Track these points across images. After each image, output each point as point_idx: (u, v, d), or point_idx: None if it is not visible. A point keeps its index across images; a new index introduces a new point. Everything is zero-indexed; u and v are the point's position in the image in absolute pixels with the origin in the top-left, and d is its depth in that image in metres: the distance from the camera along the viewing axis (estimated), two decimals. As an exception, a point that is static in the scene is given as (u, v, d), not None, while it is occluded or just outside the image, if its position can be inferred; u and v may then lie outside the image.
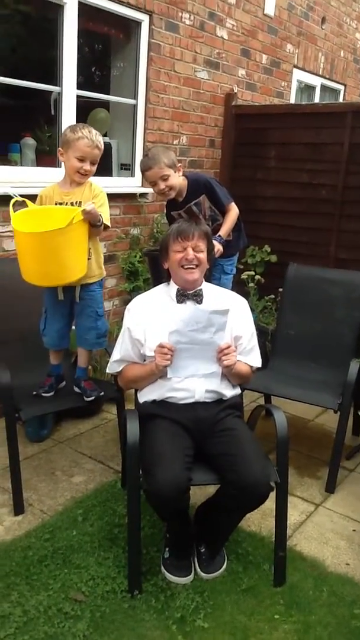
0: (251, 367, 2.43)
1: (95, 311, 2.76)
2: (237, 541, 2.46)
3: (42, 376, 2.86)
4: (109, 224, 2.65)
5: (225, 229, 3.26)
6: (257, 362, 2.44)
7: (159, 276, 3.01)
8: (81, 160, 2.56)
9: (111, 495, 2.74)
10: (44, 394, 2.77)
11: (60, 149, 2.61)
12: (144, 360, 2.34)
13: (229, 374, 2.31)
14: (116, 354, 2.40)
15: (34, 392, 2.76)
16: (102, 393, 2.83)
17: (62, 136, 2.60)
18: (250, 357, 2.42)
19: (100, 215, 2.54)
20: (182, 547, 2.29)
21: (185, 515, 2.27)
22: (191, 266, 2.29)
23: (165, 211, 3.53)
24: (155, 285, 3.19)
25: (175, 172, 3.13)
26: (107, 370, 2.51)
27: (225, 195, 3.29)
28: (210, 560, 2.30)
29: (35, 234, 2.42)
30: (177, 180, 3.16)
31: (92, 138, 2.54)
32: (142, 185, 4.33)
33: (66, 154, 2.58)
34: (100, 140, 2.59)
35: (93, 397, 2.79)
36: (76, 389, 2.85)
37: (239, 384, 2.44)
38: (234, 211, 3.31)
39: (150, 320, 2.32)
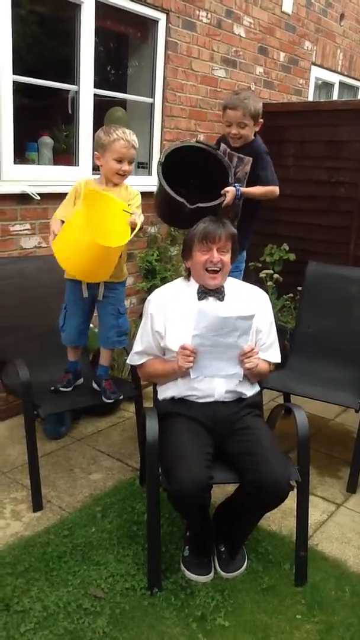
0: (270, 363, 2.42)
1: (117, 309, 2.76)
2: (257, 540, 2.43)
3: (61, 374, 2.86)
4: (140, 225, 2.60)
5: (251, 189, 3.04)
6: (276, 357, 2.43)
7: (170, 208, 2.72)
8: (119, 161, 2.56)
9: (130, 493, 2.73)
10: (62, 389, 2.77)
11: (96, 152, 2.61)
12: (164, 353, 2.33)
13: (250, 374, 2.29)
14: (137, 346, 2.40)
15: (52, 387, 2.76)
16: (122, 397, 2.82)
17: (97, 140, 2.60)
18: (269, 352, 2.41)
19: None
20: (202, 546, 2.27)
21: (206, 514, 2.25)
22: (215, 269, 2.27)
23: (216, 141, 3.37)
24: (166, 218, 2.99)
25: (254, 124, 3.03)
26: (128, 361, 2.50)
27: (272, 177, 3.12)
28: (231, 559, 2.27)
29: (100, 245, 2.38)
30: (251, 133, 3.05)
31: (127, 138, 2.55)
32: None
33: (103, 157, 2.58)
34: (134, 139, 2.60)
35: (112, 400, 2.78)
36: (95, 386, 2.85)
37: (258, 381, 2.42)
38: (271, 190, 3.10)
39: (171, 313, 2.31)
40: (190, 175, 2.77)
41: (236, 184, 2.92)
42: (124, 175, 2.61)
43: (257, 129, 3.08)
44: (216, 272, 2.28)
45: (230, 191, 2.76)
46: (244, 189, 3.00)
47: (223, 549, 2.28)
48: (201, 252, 2.28)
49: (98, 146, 2.59)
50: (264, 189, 3.08)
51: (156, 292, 2.44)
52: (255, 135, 3.12)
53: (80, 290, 2.70)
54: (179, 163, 2.68)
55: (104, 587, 2.14)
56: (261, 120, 3.06)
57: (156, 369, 2.36)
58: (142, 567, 2.23)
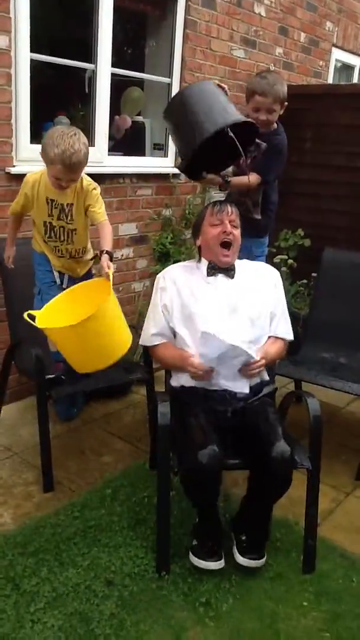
0: (284, 341, 2.46)
1: None
2: (265, 527, 2.44)
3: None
4: (105, 218, 2.55)
5: (234, 179, 2.88)
6: (289, 334, 2.48)
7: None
8: (57, 179, 2.39)
9: (140, 476, 2.74)
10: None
11: (40, 152, 2.39)
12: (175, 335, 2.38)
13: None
14: (152, 328, 2.41)
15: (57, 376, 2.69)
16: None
17: (43, 142, 2.37)
18: (281, 330, 2.45)
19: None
20: (211, 533, 2.24)
21: (216, 499, 2.23)
22: (228, 240, 2.29)
23: None
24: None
25: (280, 109, 2.95)
26: (141, 342, 2.49)
27: (267, 170, 2.96)
28: (250, 548, 2.23)
29: (65, 328, 2.26)
30: (276, 117, 2.96)
31: (67, 163, 2.31)
32: (175, 166, 4.28)
33: (46, 165, 2.39)
34: (80, 158, 2.34)
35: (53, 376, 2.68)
36: None
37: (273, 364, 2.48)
38: (251, 182, 2.87)
39: (180, 289, 2.36)
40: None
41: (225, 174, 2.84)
42: (65, 187, 2.44)
43: (281, 112, 2.99)
44: (229, 245, 2.30)
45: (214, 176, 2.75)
46: (231, 178, 2.86)
47: (244, 538, 2.24)
48: (213, 226, 2.31)
49: (42, 149, 2.36)
50: (245, 180, 2.85)
51: (166, 269, 2.48)
52: (278, 125, 3.03)
53: (52, 273, 2.67)
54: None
55: (113, 569, 2.15)
56: (286, 103, 2.97)
57: (167, 357, 2.39)
58: (150, 551, 2.24)
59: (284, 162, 3.08)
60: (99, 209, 2.55)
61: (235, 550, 2.23)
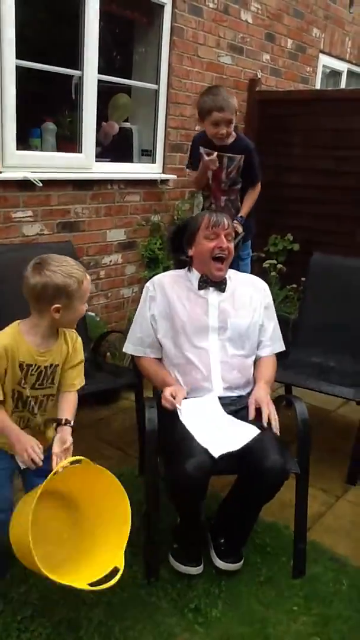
0: (274, 357, 2.46)
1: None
2: (255, 532, 2.41)
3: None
4: (83, 382, 2.10)
5: (246, 209, 3.20)
6: (280, 347, 2.48)
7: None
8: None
9: (129, 482, 2.69)
10: None
11: (57, 305, 1.88)
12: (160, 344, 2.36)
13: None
14: (135, 335, 2.40)
15: None
16: None
17: (57, 288, 1.86)
18: (275, 345, 2.45)
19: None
20: (193, 538, 2.24)
21: (200, 505, 2.22)
22: (222, 255, 2.26)
23: (191, 146, 3.45)
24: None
25: (235, 119, 3.11)
26: (124, 349, 2.47)
27: (259, 173, 3.25)
28: (229, 552, 2.24)
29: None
30: (233, 128, 3.12)
31: (85, 271, 1.96)
32: (163, 172, 4.29)
33: (68, 308, 1.90)
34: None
35: None
36: None
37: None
38: (257, 191, 3.27)
39: (169, 299, 2.33)
40: None
41: (238, 217, 3.18)
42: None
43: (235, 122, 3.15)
44: (223, 260, 2.28)
45: (238, 227, 3.04)
46: (243, 213, 3.22)
47: (222, 541, 2.25)
48: (208, 240, 2.27)
49: (64, 295, 1.87)
50: (252, 198, 3.28)
51: (156, 277, 2.44)
52: (237, 130, 3.21)
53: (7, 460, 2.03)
54: None
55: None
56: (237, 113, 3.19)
57: (149, 373, 2.38)
58: (139, 557, 2.22)
59: None
60: (81, 373, 2.09)
61: (213, 554, 2.23)
